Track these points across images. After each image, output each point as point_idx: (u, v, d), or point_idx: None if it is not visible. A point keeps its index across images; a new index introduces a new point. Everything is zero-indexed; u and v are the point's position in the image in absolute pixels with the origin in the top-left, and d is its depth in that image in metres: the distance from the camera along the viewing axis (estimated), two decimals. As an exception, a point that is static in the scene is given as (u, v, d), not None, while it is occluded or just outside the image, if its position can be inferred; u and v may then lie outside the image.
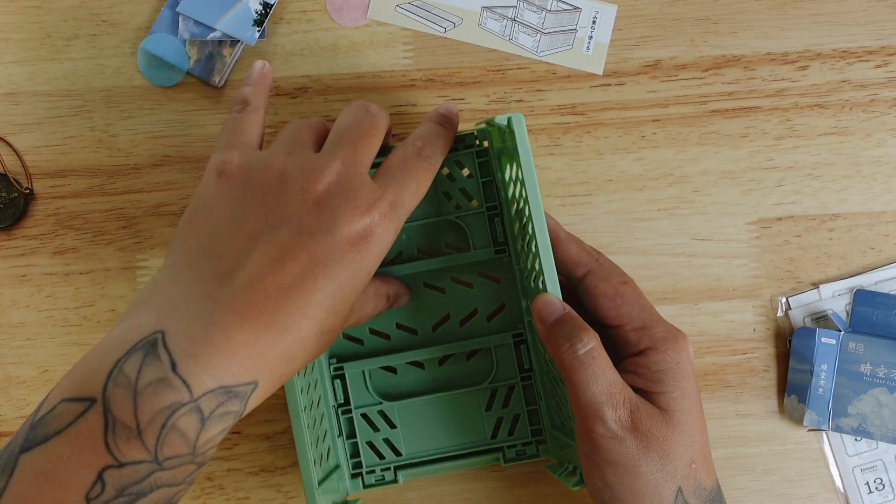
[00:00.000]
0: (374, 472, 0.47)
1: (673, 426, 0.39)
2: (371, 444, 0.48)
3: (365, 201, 0.37)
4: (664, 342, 0.40)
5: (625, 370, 0.41)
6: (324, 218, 0.36)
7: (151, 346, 0.31)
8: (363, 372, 0.48)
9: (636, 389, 0.40)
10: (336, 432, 0.47)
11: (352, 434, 0.48)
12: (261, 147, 0.41)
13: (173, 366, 0.31)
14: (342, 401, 0.47)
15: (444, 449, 0.48)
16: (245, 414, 0.34)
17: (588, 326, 0.40)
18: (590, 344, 0.39)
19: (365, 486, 0.47)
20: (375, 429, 0.48)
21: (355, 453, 0.47)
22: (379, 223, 0.37)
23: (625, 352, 0.41)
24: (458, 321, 0.48)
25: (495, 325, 0.48)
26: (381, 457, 0.48)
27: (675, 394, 0.39)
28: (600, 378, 0.38)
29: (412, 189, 0.39)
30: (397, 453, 0.48)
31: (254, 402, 0.34)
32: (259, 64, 0.43)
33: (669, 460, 0.38)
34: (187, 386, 0.31)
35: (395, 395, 0.48)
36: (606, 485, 0.39)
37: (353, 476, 0.47)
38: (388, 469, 0.47)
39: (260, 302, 0.33)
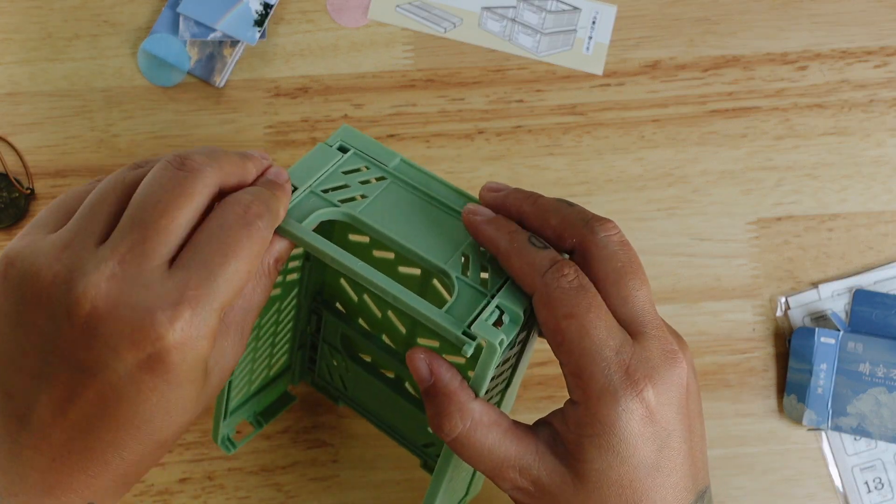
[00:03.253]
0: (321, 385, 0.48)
1: (587, 494, 0.33)
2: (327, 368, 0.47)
3: (147, 319, 0.29)
4: (597, 401, 0.33)
5: (563, 413, 0.35)
6: (96, 351, 0.30)
7: None
8: (340, 332, 0.45)
9: (560, 443, 0.34)
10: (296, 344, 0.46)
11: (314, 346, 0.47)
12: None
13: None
14: (314, 330, 0.47)
15: (381, 418, 0.47)
16: None
17: (457, 399, 0.33)
18: (455, 431, 0.33)
19: (312, 384, 0.49)
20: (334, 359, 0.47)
21: (311, 361, 0.48)
22: (174, 342, 0.29)
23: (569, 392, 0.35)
24: None
25: None
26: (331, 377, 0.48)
27: (598, 463, 0.33)
28: (482, 459, 0.34)
29: (229, 272, 0.31)
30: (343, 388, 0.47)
31: None
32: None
33: None
34: None
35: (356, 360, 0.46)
36: None
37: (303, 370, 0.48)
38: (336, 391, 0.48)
39: (63, 443, 0.31)
